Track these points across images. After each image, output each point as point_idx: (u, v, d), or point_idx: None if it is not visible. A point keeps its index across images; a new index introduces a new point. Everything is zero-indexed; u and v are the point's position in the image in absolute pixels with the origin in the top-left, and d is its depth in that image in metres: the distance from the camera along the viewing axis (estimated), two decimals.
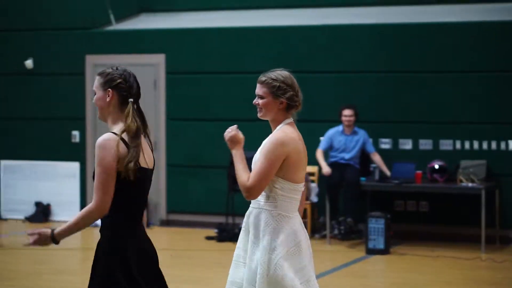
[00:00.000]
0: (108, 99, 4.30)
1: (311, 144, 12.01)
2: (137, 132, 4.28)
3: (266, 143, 4.66)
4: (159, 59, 12.91)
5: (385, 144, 11.93)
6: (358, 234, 11.49)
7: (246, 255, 4.68)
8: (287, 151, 4.60)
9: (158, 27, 13.04)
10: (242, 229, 4.80)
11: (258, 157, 4.63)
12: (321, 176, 11.82)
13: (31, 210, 13.15)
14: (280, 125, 4.72)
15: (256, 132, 11.88)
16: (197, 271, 9.46)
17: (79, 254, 11.18)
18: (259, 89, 4.72)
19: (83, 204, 13.01)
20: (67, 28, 13.33)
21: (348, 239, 11.45)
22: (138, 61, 12.99)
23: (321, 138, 11.86)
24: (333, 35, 12.13)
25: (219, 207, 12.07)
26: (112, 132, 4.24)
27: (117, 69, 4.36)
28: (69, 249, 11.02)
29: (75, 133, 13.22)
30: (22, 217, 13.18)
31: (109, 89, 4.30)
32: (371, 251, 10.58)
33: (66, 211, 13.06)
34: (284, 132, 4.66)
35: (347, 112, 11.55)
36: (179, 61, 12.79)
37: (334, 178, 11.37)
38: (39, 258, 10.16)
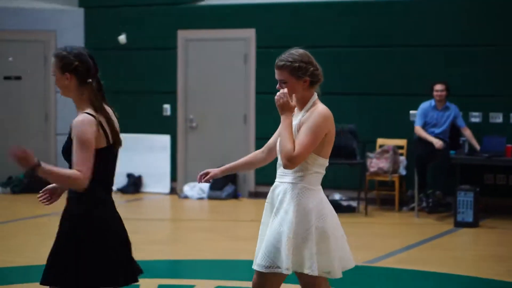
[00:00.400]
0: (67, 83, 4.36)
1: (403, 116, 12.06)
2: (103, 109, 4.43)
3: (309, 116, 4.62)
4: (249, 34, 13.01)
5: (475, 117, 11.80)
6: (446, 207, 11.43)
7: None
8: (329, 126, 4.63)
9: (249, 2, 13.13)
10: (266, 204, 4.78)
11: (303, 129, 4.58)
12: (409, 149, 11.79)
13: (123, 181, 13.46)
14: (310, 101, 4.70)
15: (349, 106, 12.07)
16: None
17: (169, 224, 11.42)
18: (279, 75, 4.67)
19: (173, 176, 13.27)
20: (159, 4, 13.55)
21: (436, 212, 11.41)
22: (228, 35, 13.13)
23: (412, 112, 11.83)
24: (433, 9, 12.07)
25: None
26: (86, 113, 4.34)
27: (71, 50, 4.40)
28: (160, 219, 11.28)
29: (166, 107, 13.45)
30: (114, 188, 13.49)
31: (67, 73, 4.36)
32: (459, 224, 10.51)
33: (157, 182, 13.33)
34: (326, 108, 4.67)
35: (438, 87, 11.47)
36: (269, 35, 12.87)
37: (423, 152, 11.32)
38: (133, 228, 10.40)
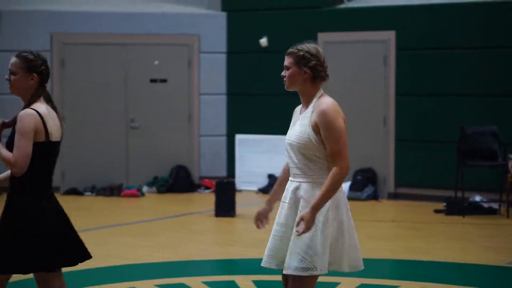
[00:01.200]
0: (31, 82, 4.88)
1: None
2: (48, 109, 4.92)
3: (320, 114, 4.62)
4: (389, 36, 13.04)
5: None
6: None
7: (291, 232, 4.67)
8: (342, 116, 4.67)
9: (389, 4, 13.16)
10: (286, 205, 4.74)
11: (324, 137, 4.60)
12: None
13: (264, 182, 13.72)
14: (315, 97, 4.71)
15: (492, 107, 11.93)
16: (425, 242, 9.55)
17: None
18: (286, 61, 4.78)
19: None
20: (300, 7, 13.75)
21: None
22: (368, 38, 13.20)
23: None
24: None
25: (447, 181, 12.08)
26: (32, 109, 4.82)
27: (38, 55, 4.95)
28: None
29: None
30: (255, 188, 13.79)
31: (34, 74, 4.88)
32: None
33: None
34: (332, 100, 4.69)
35: None
36: (409, 37, 12.86)
37: None
38: None
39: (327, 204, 4.57)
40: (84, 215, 11.71)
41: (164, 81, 14.09)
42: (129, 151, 13.90)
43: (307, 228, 4.52)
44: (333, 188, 4.52)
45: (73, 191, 13.52)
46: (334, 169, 4.54)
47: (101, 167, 13.74)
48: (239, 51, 14.15)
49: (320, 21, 13.57)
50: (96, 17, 13.97)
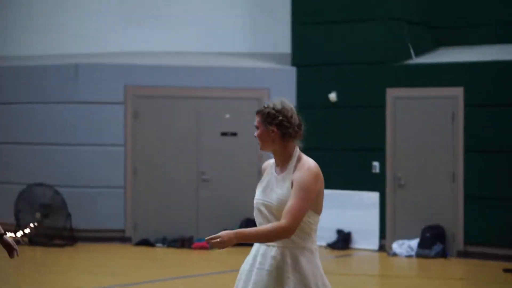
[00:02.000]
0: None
1: None
2: None
3: (302, 171, 4.44)
4: (457, 92, 13.11)
5: None
6: None
7: None
8: (321, 182, 4.49)
9: (457, 60, 13.26)
10: (265, 271, 4.45)
11: (292, 191, 4.40)
12: None
13: (332, 237, 13.77)
14: (293, 157, 4.51)
15: None
16: None
17: (376, 280, 11.61)
18: (255, 120, 4.57)
19: (382, 233, 13.46)
20: (369, 63, 13.91)
21: None
22: (436, 94, 13.29)
23: None
24: None
25: None
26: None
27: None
28: (369, 275, 11.49)
29: (376, 164, 13.71)
30: (324, 243, 13.86)
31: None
32: None
33: (366, 239, 13.52)
34: (314, 164, 4.50)
35: None
36: (477, 93, 12.92)
37: None
38: (341, 282, 10.72)
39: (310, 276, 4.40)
40: (156, 266, 11.96)
41: (234, 134, 14.34)
42: (199, 203, 14.13)
43: (219, 244, 4.26)
44: (266, 236, 4.32)
45: (145, 242, 13.77)
46: (281, 222, 4.32)
47: (172, 219, 13.98)
48: (308, 105, 14.33)
49: (389, 77, 13.69)
50: (168, 70, 14.32)
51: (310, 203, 4.38)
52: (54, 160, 14.20)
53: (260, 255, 4.48)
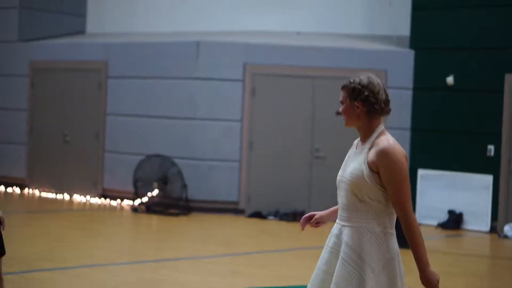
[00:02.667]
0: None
1: None
2: None
3: (380, 153, 4.16)
4: None
5: None
6: None
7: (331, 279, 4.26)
8: (405, 156, 4.20)
9: None
10: (329, 248, 4.36)
11: (386, 174, 4.14)
12: None
13: (444, 217, 13.79)
14: (374, 133, 4.26)
15: None
16: None
17: (486, 260, 11.57)
18: (341, 95, 4.34)
19: (494, 215, 13.37)
20: (488, 48, 13.77)
21: None
22: None
23: None
24: None
25: None
26: None
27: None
28: (478, 256, 11.47)
29: (491, 147, 13.61)
30: (435, 223, 13.89)
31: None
32: None
33: (478, 221, 13.48)
34: (392, 142, 4.21)
35: None
36: None
37: None
38: (452, 261, 10.73)
39: (375, 258, 4.17)
40: (267, 237, 12.23)
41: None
42: (312, 179, 14.33)
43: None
44: (415, 237, 4.13)
45: (257, 215, 14.08)
46: (408, 220, 4.13)
47: (285, 193, 14.24)
48: (425, 88, 14.32)
49: (507, 63, 13.55)
50: (286, 50, 14.54)
51: (406, 178, 4.13)
52: (173, 132, 14.65)
53: (330, 232, 4.39)
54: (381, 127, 4.28)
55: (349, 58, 14.47)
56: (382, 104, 4.26)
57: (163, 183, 14.35)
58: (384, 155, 4.14)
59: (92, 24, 17.55)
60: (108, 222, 13.56)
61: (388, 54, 14.52)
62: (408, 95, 14.41)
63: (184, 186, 14.21)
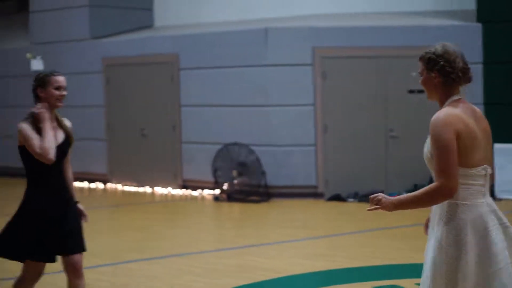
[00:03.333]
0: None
1: None
2: None
3: (430, 125, 4.01)
4: None
5: None
6: None
7: None
8: (454, 132, 3.97)
9: None
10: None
11: (431, 144, 4.02)
12: None
13: None
14: (445, 104, 4.12)
15: None
16: None
17: None
18: (419, 66, 4.25)
19: None
20: None
21: None
22: None
23: None
24: None
25: None
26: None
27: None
28: None
29: None
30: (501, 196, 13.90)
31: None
32: None
33: None
34: (443, 112, 4.03)
35: None
36: None
37: None
38: None
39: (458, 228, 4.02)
40: (347, 219, 12.39)
41: (421, 91, 14.42)
42: (388, 160, 14.42)
43: (378, 209, 4.08)
44: (420, 200, 4.00)
45: (337, 197, 14.23)
46: (433, 184, 3.97)
47: (363, 175, 14.35)
48: (494, 61, 14.28)
49: None
50: (354, 31, 14.62)
51: (450, 151, 3.92)
52: (248, 120, 14.87)
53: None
54: (454, 97, 4.12)
55: (417, 36, 14.48)
56: (459, 72, 4.14)
57: (242, 171, 14.60)
58: (431, 126, 4.00)
59: (160, 17, 17.86)
60: (191, 212, 13.87)
61: (456, 29, 14.49)
62: (478, 69, 14.37)
63: (263, 173, 14.44)
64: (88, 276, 6.80)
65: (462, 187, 4.00)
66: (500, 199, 13.76)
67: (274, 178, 14.54)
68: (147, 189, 16.08)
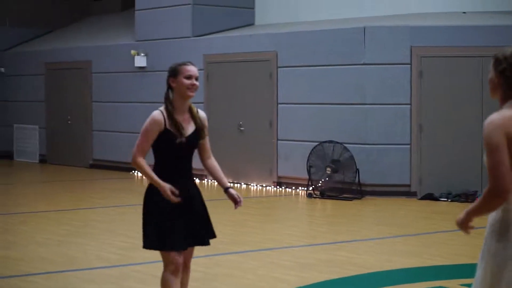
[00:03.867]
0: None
1: None
2: None
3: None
4: None
5: None
6: None
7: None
8: (500, 133, 3.90)
9: None
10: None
11: (484, 146, 3.98)
12: None
13: None
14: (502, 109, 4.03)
15: None
16: None
17: None
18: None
19: None
20: None
21: None
22: None
23: None
24: None
25: None
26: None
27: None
28: None
29: None
30: None
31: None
32: None
33: None
34: (496, 114, 3.97)
35: None
36: None
37: None
38: None
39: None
40: (440, 218, 12.40)
41: None
42: (483, 160, 14.31)
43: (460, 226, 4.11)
44: (480, 206, 3.93)
45: (429, 197, 14.24)
46: (486, 188, 3.92)
47: (457, 174, 14.31)
48: None
49: None
50: (452, 30, 14.58)
51: (499, 153, 3.85)
52: (344, 118, 15.00)
53: None
54: (508, 103, 4.02)
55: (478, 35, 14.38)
56: None
57: (336, 168, 14.75)
58: (483, 128, 3.99)
59: (260, 15, 18.14)
60: (285, 208, 14.09)
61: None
62: None
63: (357, 171, 14.57)
64: None
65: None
66: None
67: (367, 176, 14.65)
68: (242, 185, 16.37)
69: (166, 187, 5.56)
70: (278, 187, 15.94)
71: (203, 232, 5.88)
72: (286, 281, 8.02)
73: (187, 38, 17.80)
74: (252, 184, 16.27)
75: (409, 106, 14.59)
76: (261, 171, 16.30)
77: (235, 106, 16.87)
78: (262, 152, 16.34)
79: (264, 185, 16.18)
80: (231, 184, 5.92)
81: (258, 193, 15.57)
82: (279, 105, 16.07)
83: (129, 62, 18.88)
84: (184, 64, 5.74)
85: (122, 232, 10.97)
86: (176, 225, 5.68)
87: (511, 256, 3.92)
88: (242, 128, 16.70)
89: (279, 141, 16.07)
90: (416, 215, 12.96)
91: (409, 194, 14.51)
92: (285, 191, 15.63)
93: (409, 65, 14.61)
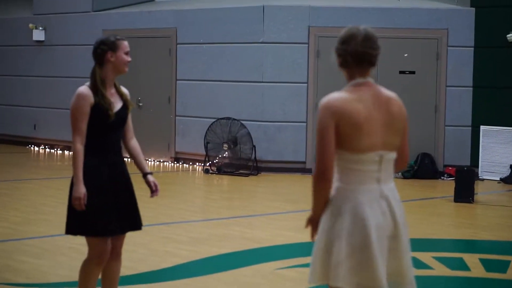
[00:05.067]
0: None
1: None
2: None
3: None
4: None
5: None
6: None
7: None
8: (332, 118, 3.84)
9: None
10: None
11: None
12: None
13: (506, 172, 14.06)
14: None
15: None
16: None
17: None
18: None
19: None
20: None
21: None
22: None
23: None
24: None
25: None
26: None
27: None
28: None
29: None
30: (497, 178, 14.17)
31: None
32: None
33: None
34: (331, 97, 3.93)
35: None
36: None
37: None
38: (506, 213, 11.05)
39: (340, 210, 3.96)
40: None
41: (412, 73, 14.72)
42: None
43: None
44: (313, 194, 4.01)
45: None
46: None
47: None
48: (486, 45, 14.49)
49: None
50: (350, 11, 14.82)
51: (328, 141, 3.81)
52: (242, 96, 15.11)
53: None
54: (358, 80, 4.02)
55: (411, 18, 14.68)
56: (349, 57, 4.02)
57: (233, 145, 14.87)
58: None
59: None
60: (181, 183, 14.14)
61: (449, 13, 14.69)
62: (469, 53, 14.61)
63: (253, 147, 14.72)
64: (66, 243, 7.03)
65: (348, 172, 3.91)
66: (483, 179, 14.06)
67: (264, 152, 14.82)
68: None
69: (82, 193, 5.24)
70: (175, 162, 16.00)
71: (134, 215, 5.70)
72: (179, 255, 8.10)
73: (86, 13, 17.61)
74: (150, 160, 16.28)
75: (305, 84, 14.80)
76: (159, 147, 16.32)
77: (134, 82, 16.75)
78: (160, 127, 16.36)
79: (161, 160, 16.21)
80: (150, 170, 5.71)
81: (155, 168, 15.58)
82: (178, 82, 16.09)
83: (27, 35, 18.57)
84: (122, 39, 5.63)
85: (15, 206, 10.86)
86: (105, 208, 5.42)
87: (338, 234, 3.94)
88: (140, 104, 16.66)
89: (177, 117, 16.10)
90: (310, 191, 13.11)
91: (304, 170, 14.75)
92: (183, 166, 15.70)
93: (306, 45, 14.79)
